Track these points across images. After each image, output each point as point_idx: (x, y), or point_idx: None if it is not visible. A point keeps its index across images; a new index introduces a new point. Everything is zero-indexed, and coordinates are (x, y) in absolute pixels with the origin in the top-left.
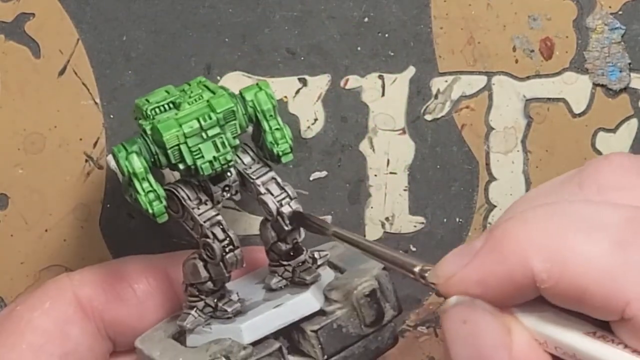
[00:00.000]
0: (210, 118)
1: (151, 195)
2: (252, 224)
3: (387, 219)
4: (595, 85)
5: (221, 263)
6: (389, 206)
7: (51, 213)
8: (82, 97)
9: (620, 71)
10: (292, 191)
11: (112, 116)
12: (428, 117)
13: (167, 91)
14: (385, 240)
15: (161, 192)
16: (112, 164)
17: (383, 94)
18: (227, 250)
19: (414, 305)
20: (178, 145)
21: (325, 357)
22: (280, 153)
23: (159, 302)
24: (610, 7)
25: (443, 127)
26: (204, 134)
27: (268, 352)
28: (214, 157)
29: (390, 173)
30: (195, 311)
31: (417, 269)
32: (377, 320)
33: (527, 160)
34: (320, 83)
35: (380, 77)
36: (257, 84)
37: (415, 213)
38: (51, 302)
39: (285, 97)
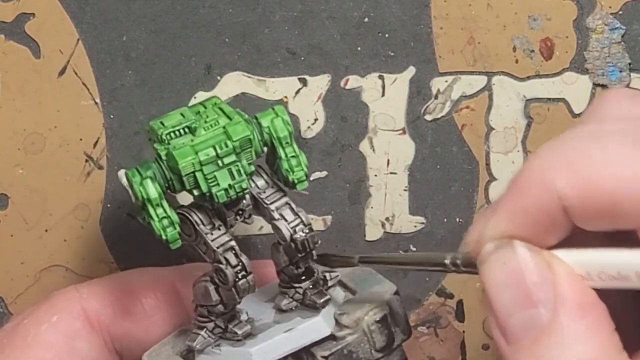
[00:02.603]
0: (227, 146)
1: (165, 222)
2: (252, 224)
3: (387, 219)
4: (596, 85)
5: (233, 289)
6: (389, 206)
7: (51, 213)
8: (82, 97)
9: (621, 71)
10: (306, 217)
11: (112, 116)
12: (428, 117)
13: (182, 114)
14: (385, 241)
15: (175, 217)
16: (124, 180)
17: (383, 94)
18: (239, 276)
19: (414, 305)
20: (193, 172)
21: None
22: (296, 181)
23: (167, 316)
24: (610, 7)
25: (443, 127)
26: (219, 162)
27: None
28: (230, 184)
29: (390, 173)
30: (205, 332)
31: (447, 260)
32: (387, 345)
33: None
34: (320, 83)
35: (380, 77)
36: (273, 110)
37: (416, 213)
38: (59, 316)
39: (285, 97)
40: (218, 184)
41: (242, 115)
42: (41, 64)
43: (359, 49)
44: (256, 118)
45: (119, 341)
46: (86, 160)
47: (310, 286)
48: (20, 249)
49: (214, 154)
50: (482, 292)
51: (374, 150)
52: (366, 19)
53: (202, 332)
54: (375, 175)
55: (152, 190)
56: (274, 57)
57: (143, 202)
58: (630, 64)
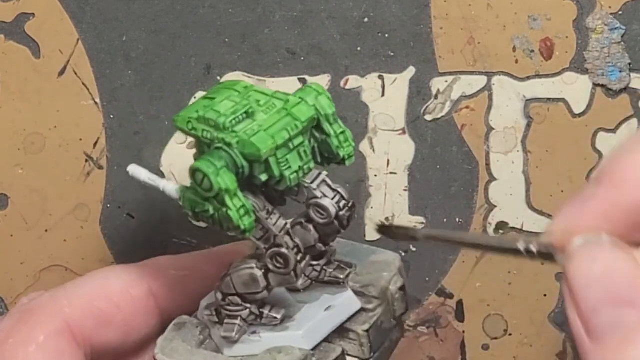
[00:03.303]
0: (297, 127)
1: (242, 211)
2: None
3: (387, 219)
4: (595, 85)
5: (293, 272)
6: (389, 206)
7: (51, 213)
8: (82, 97)
9: (620, 71)
10: (345, 192)
11: (112, 116)
12: (428, 117)
13: (228, 99)
14: (385, 241)
15: (249, 205)
16: (143, 176)
17: (383, 94)
18: (298, 258)
19: (414, 305)
20: (268, 157)
21: (372, 354)
22: (347, 156)
23: (144, 320)
24: (610, 7)
25: (443, 127)
26: (290, 144)
27: (333, 357)
28: (299, 166)
29: (390, 173)
30: (240, 320)
31: (521, 246)
32: (404, 313)
33: (527, 160)
34: (320, 83)
35: (380, 77)
36: (312, 87)
37: (415, 213)
38: (45, 336)
39: None
40: (290, 167)
41: (287, 93)
42: (41, 64)
43: (359, 49)
44: (299, 97)
45: (98, 352)
46: (86, 160)
47: (327, 262)
48: (20, 249)
49: (287, 136)
50: (564, 286)
51: (374, 150)
52: (366, 19)
53: (238, 321)
54: (375, 175)
55: (230, 180)
56: (274, 57)
57: (218, 193)
58: (630, 64)
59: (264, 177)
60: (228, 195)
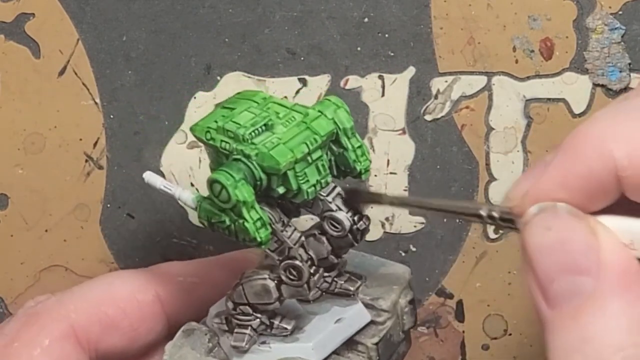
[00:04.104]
0: (316, 141)
1: (258, 223)
2: None
3: (387, 219)
4: (595, 85)
5: (306, 284)
6: (389, 206)
7: (51, 213)
8: (82, 97)
9: (620, 71)
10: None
11: (112, 116)
12: (428, 117)
13: (248, 111)
14: (385, 240)
15: (266, 218)
16: (159, 184)
17: (383, 94)
18: (312, 271)
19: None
20: (286, 170)
21: None
22: (363, 170)
23: (151, 326)
24: (610, 7)
25: (443, 127)
26: (309, 158)
27: None
28: (317, 180)
29: (390, 173)
30: (250, 330)
31: (484, 212)
32: (412, 326)
33: (527, 160)
34: (320, 83)
35: (380, 77)
36: (329, 100)
37: (415, 213)
38: (50, 340)
39: (285, 97)
40: (308, 181)
41: (305, 106)
42: (41, 64)
43: (359, 49)
44: (318, 110)
45: (103, 356)
46: (86, 160)
47: (336, 274)
48: (20, 249)
49: (306, 150)
50: (522, 254)
51: (374, 150)
52: (366, 19)
53: (248, 331)
54: (375, 176)
55: (248, 192)
56: (274, 57)
57: (236, 205)
58: (630, 64)
59: (281, 190)
60: (245, 208)
